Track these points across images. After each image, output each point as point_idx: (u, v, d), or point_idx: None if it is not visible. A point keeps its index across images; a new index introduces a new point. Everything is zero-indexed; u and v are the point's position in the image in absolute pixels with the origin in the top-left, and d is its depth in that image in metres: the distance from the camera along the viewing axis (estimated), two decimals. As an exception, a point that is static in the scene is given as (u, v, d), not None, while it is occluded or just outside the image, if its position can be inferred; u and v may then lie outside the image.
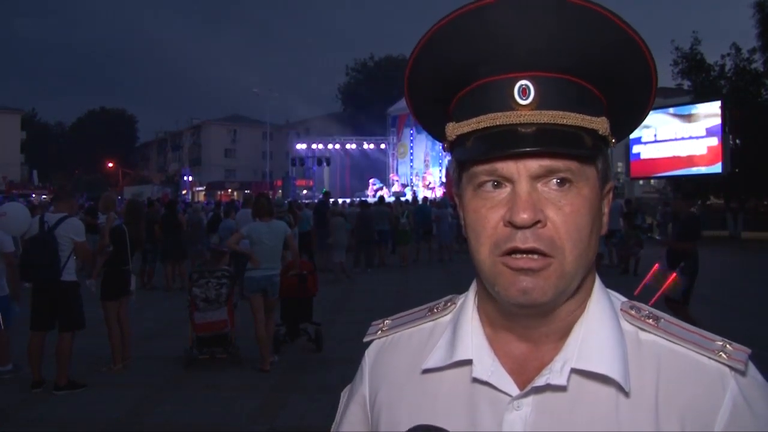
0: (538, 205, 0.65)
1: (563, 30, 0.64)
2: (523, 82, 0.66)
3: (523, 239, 0.64)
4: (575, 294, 0.70)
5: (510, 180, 0.66)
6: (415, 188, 28.28)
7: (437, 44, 0.70)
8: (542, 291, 0.65)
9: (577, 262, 0.66)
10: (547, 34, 0.65)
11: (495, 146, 0.66)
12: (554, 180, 0.66)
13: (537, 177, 0.65)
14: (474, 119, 0.68)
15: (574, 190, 0.66)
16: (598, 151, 0.68)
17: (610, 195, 0.73)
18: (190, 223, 13.14)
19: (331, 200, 15.22)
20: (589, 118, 0.67)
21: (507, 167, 0.66)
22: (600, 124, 0.67)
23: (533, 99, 0.66)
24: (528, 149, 0.64)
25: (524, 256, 0.65)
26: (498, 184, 0.67)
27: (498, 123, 0.66)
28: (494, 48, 0.67)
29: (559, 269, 0.65)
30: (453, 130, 0.71)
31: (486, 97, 0.68)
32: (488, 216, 0.67)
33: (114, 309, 5.98)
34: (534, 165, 0.65)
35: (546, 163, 0.65)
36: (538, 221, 0.64)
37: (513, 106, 0.66)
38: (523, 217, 0.63)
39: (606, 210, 0.73)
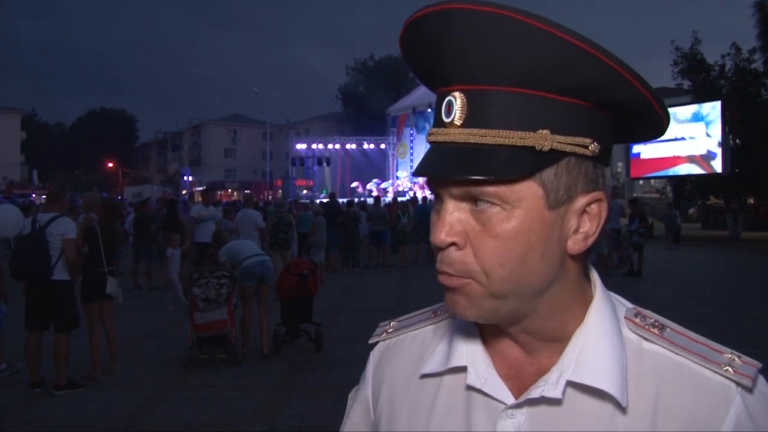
0: (457, 227, 0.63)
1: (489, 40, 0.59)
2: (449, 97, 0.63)
3: (439, 260, 0.65)
4: (548, 309, 0.67)
5: (442, 199, 0.66)
6: (414, 189, 28.27)
7: (405, 55, 0.71)
8: (464, 308, 0.65)
9: (505, 285, 0.63)
10: (475, 46, 0.60)
11: (420, 165, 0.66)
12: (478, 202, 0.63)
13: (461, 198, 0.64)
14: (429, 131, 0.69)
15: (502, 214, 0.62)
16: (536, 168, 0.61)
17: (597, 205, 0.66)
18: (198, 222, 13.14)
19: (323, 200, 15.24)
20: (521, 134, 0.60)
21: (436, 187, 0.66)
22: (538, 139, 0.60)
23: (456, 115, 0.62)
24: (426, 174, 0.64)
25: (443, 272, 0.66)
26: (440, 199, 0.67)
27: (433, 140, 0.66)
28: (430, 61, 0.65)
29: (481, 290, 0.64)
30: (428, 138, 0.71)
31: (435, 110, 0.68)
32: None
33: (95, 312, 5.79)
34: (455, 188, 0.63)
35: (466, 186, 0.62)
36: (453, 243, 0.64)
37: (443, 122, 0.64)
38: (439, 237, 0.64)
39: (585, 226, 0.66)
